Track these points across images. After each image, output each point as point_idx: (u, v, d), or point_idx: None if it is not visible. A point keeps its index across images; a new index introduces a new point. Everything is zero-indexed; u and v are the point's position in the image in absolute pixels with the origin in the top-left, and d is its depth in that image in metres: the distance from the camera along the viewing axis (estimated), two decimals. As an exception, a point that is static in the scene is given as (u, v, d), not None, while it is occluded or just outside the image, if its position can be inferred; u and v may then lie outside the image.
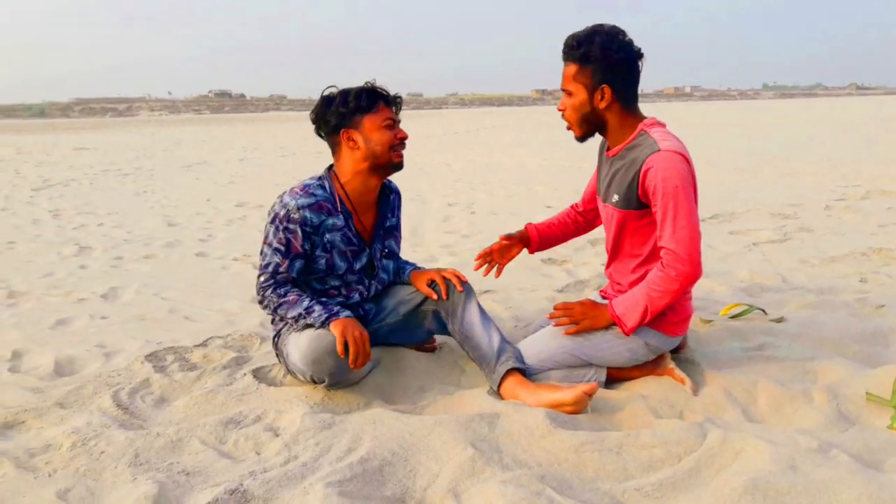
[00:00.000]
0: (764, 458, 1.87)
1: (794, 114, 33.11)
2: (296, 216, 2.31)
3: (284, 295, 2.34)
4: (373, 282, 2.56)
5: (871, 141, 13.92)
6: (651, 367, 2.44)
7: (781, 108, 44.70)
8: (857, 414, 2.18)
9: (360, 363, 2.23)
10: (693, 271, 2.15)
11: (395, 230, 2.64)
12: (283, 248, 2.33)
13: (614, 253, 2.42)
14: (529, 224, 2.78)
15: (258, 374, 2.52)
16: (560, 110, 2.31)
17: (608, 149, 2.36)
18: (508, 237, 2.71)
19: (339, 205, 2.40)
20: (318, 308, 2.30)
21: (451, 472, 1.85)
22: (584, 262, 4.36)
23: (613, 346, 2.34)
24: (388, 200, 2.58)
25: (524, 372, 2.33)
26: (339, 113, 2.34)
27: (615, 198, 2.29)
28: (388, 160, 2.39)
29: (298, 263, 2.37)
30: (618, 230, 2.35)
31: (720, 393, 2.31)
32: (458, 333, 2.46)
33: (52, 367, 2.68)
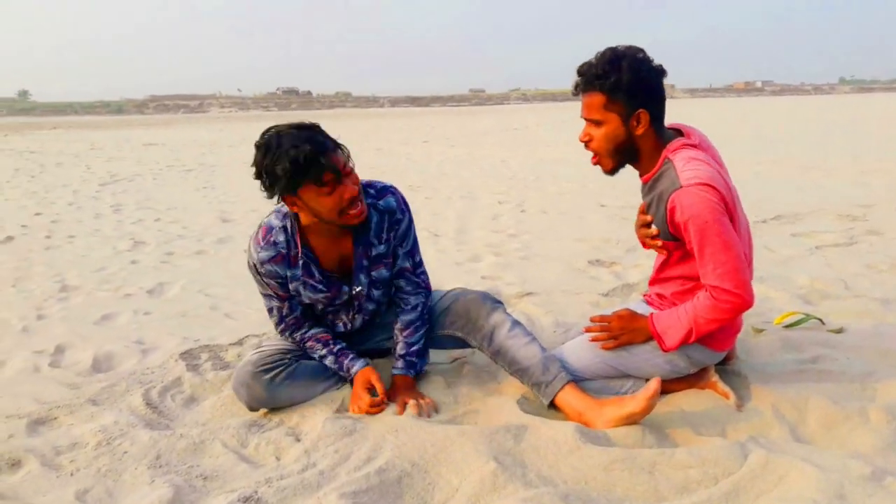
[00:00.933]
0: (810, 484, 1.73)
1: (872, 109, 31.57)
2: (262, 270, 2.20)
3: (304, 340, 2.35)
4: (356, 315, 2.39)
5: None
6: (693, 379, 2.30)
7: (858, 103, 42.71)
8: (918, 437, 2.00)
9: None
10: (745, 301, 2.02)
11: (383, 258, 2.31)
12: (272, 293, 2.27)
13: (657, 272, 2.31)
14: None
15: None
16: (583, 140, 2.12)
17: (640, 174, 2.22)
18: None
19: (300, 250, 2.19)
20: (329, 360, 2.33)
21: (471, 487, 1.78)
22: (636, 264, 4.21)
23: (653, 359, 2.21)
24: (369, 229, 2.25)
25: (577, 382, 2.22)
26: (272, 183, 2.02)
27: (654, 228, 2.16)
28: (342, 224, 2.11)
29: (294, 302, 2.31)
30: (664, 254, 2.23)
31: (767, 409, 2.16)
32: (488, 350, 2.32)
33: (91, 362, 2.73)
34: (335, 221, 2.09)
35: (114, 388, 2.46)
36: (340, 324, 2.40)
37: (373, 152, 13.91)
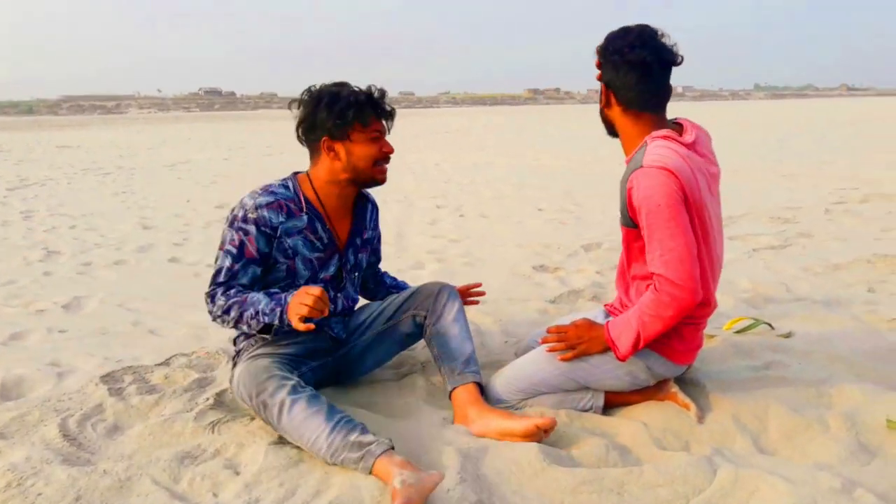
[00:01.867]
0: (781, 499, 1.68)
1: (787, 114, 33.11)
2: (253, 216, 2.11)
3: (233, 296, 2.07)
4: (339, 294, 2.33)
5: (866, 142, 13.81)
6: (652, 391, 2.23)
7: (773, 109, 44.74)
8: (878, 444, 1.99)
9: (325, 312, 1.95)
10: (688, 296, 1.90)
11: (370, 244, 2.44)
12: (235, 250, 2.11)
13: (623, 271, 2.22)
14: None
15: (221, 398, 2.29)
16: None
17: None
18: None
19: (304, 205, 2.19)
20: (263, 301, 2.02)
21: (432, 518, 1.64)
22: (578, 269, 4.15)
23: (613, 371, 2.13)
24: (366, 211, 2.39)
25: (482, 390, 2.19)
26: (325, 120, 2.11)
27: (619, 215, 2.10)
28: (370, 176, 2.20)
29: (252, 269, 2.13)
30: (625, 248, 2.15)
31: (728, 420, 2.11)
32: (431, 329, 2.32)
33: (-2, 389, 2.44)
34: (366, 172, 2.17)
35: (25, 417, 2.19)
36: None
37: (303, 154, 13.57)
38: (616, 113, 2.07)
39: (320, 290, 1.92)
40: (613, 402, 2.22)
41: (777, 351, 2.67)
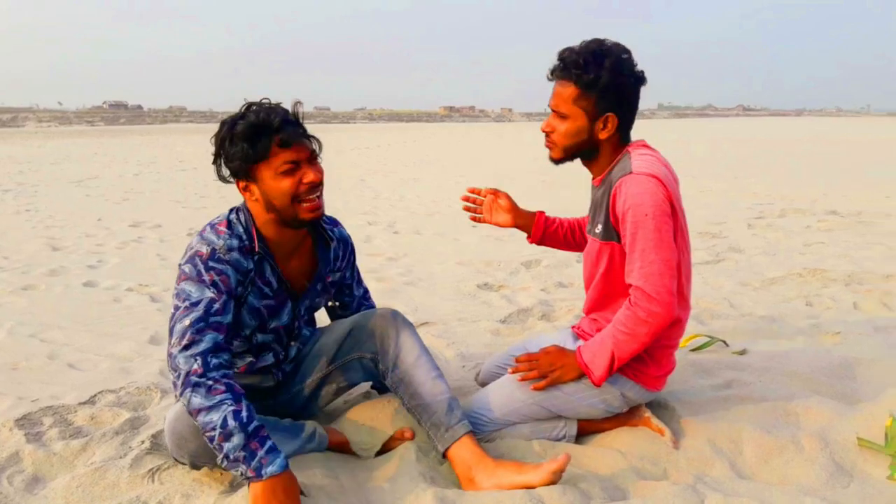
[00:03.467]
0: (774, 528, 1.61)
1: (691, 133, 34.62)
2: (226, 257, 1.79)
3: (213, 369, 1.67)
4: (293, 342, 2.09)
5: (771, 160, 14.54)
6: (624, 416, 2.15)
7: (678, 128, 46.74)
8: (852, 463, 1.97)
9: None
10: (664, 312, 1.83)
11: (333, 287, 2.17)
12: (213, 294, 1.75)
13: (598, 292, 2.09)
14: (541, 213, 2.37)
15: (158, 441, 2.06)
16: (545, 131, 1.99)
17: (594, 177, 2.07)
18: (497, 195, 2.32)
19: (256, 243, 1.86)
20: (235, 438, 1.62)
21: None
22: (522, 286, 4.08)
23: (587, 398, 2.03)
24: (329, 252, 2.07)
25: (476, 435, 1.95)
26: (229, 159, 1.81)
27: (598, 228, 2.00)
28: (293, 215, 1.82)
29: (230, 314, 1.78)
30: (600, 265, 2.03)
31: (703, 444, 2.05)
32: (391, 376, 2.01)
33: None
34: (287, 211, 1.81)
35: (-76, 473, 1.90)
36: (270, 355, 2.03)
37: (210, 171, 13.09)
38: (613, 140, 1.97)
39: None
40: (586, 429, 2.13)
41: (735, 368, 2.65)
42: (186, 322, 1.71)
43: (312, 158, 1.85)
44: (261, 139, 1.76)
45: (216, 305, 1.74)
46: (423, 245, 5.53)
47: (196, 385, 1.65)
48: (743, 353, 2.83)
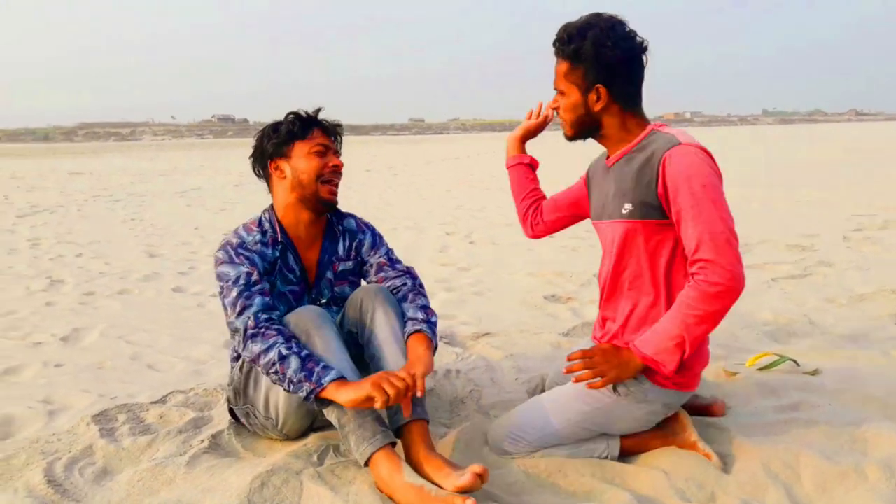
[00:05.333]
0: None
1: (797, 139, 32.95)
2: (253, 248, 2.10)
3: (262, 325, 1.92)
4: None
5: (878, 167, 13.65)
6: (671, 437, 2.08)
7: (783, 134, 44.60)
8: (920, 496, 1.83)
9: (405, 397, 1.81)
10: (736, 284, 1.74)
11: (350, 276, 2.29)
12: (246, 268, 2.04)
13: (619, 284, 2.02)
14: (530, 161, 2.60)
15: (217, 440, 2.18)
16: (553, 108, 2.07)
17: (608, 157, 2.03)
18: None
19: (279, 234, 2.17)
20: (293, 364, 1.83)
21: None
22: (591, 299, 4.02)
23: (629, 410, 1.97)
24: (338, 242, 2.27)
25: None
26: (269, 143, 2.16)
27: (627, 207, 1.90)
28: (315, 192, 2.12)
29: (267, 283, 2.07)
30: (628, 250, 1.95)
31: (758, 468, 1.96)
32: (366, 350, 2.07)
33: (-15, 429, 2.33)
34: (310, 188, 2.11)
35: (11, 461, 2.08)
36: None
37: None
38: (613, 111, 1.94)
39: (404, 383, 1.78)
40: (630, 449, 2.07)
41: (805, 390, 2.53)
42: (234, 293, 1.99)
43: (338, 150, 2.21)
44: (303, 122, 2.15)
45: (254, 276, 2.03)
46: (497, 255, 5.54)
47: (252, 336, 1.91)
48: (815, 373, 2.69)
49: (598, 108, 1.92)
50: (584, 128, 1.98)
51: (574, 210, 2.37)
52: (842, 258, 4.97)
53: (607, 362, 1.90)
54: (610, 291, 2.05)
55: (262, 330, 1.91)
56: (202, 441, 2.16)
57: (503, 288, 4.39)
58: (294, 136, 2.13)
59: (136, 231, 7.28)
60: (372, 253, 2.31)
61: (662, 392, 1.96)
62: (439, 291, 4.34)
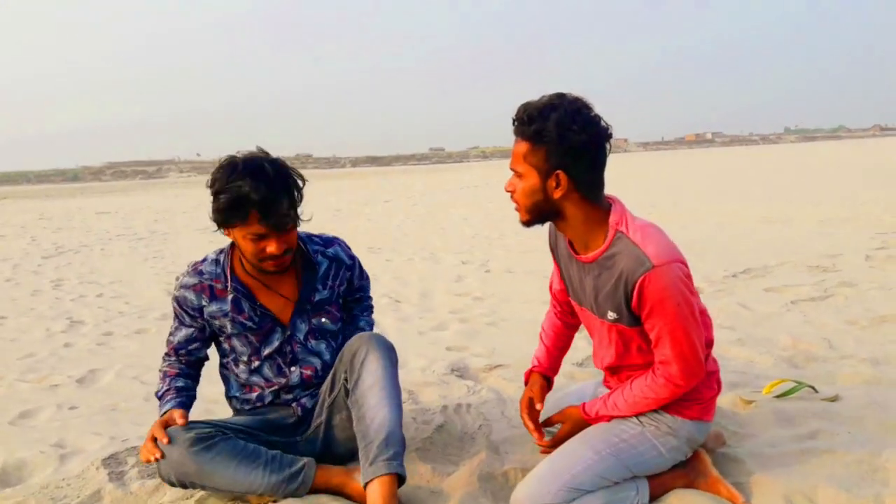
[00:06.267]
0: None
1: (820, 157, 32.61)
2: (177, 293, 2.16)
3: (165, 367, 2.22)
4: (292, 367, 2.19)
5: (905, 182, 13.43)
6: (692, 476, 2.03)
7: (806, 152, 44.19)
8: (944, 529, 1.77)
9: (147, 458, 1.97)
10: (694, 382, 1.88)
11: (328, 304, 2.24)
12: (176, 320, 2.21)
13: (618, 365, 2.04)
14: (536, 369, 2.31)
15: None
16: (508, 191, 1.89)
17: (575, 250, 1.95)
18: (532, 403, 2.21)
19: (229, 283, 2.12)
20: (163, 391, 2.18)
21: None
22: (606, 327, 3.97)
23: (654, 443, 1.95)
24: (316, 273, 2.22)
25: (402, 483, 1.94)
26: (212, 211, 2.01)
27: (612, 315, 1.89)
28: (260, 267, 2.08)
29: (182, 333, 2.19)
30: (621, 344, 1.97)
31: (778, 501, 1.90)
32: (351, 395, 2.05)
33: (-2, 474, 2.35)
34: (254, 265, 2.08)
35: (20, 507, 2.10)
36: (272, 375, 2.20)
37: (331, 213, 13.68)
38: (573, 200, 1.81)
39: (152, 433, 1.99)
40: (654, 492, 2.00)
41: (823, 418, 2.46)
42: (168, 338, 2.23)
43: (281, 225, 1.98)
44: (242, 208, 1.93)
45: (179, 335, 2.20)
46: (512, 284, 5.52)
47: (165, 355, 2.23)
48: (834, 399, 2.62)
49: (557, 194, 1.79)
50: (540, 214, 1.86)
51: None
52: (864, 278, 4.88)
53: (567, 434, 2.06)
54: (618, 373, 2.08)
55: (172, 359, 2.22)
56: (209, 484, 2.15)
57: (518, 318, 4.36)
58: (228, 220, 1.98)
59: (156, 269, 7.37)
60: (358, 283, 2.38)
61: (685, 423, 1.96)
62: (453, 323, 4.32)
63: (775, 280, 4.97)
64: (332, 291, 2.25)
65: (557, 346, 2.34)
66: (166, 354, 2.23)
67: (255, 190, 1.91)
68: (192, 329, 2.17)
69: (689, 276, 1.80)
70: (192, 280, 2.13)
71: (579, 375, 3.14)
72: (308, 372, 2.20)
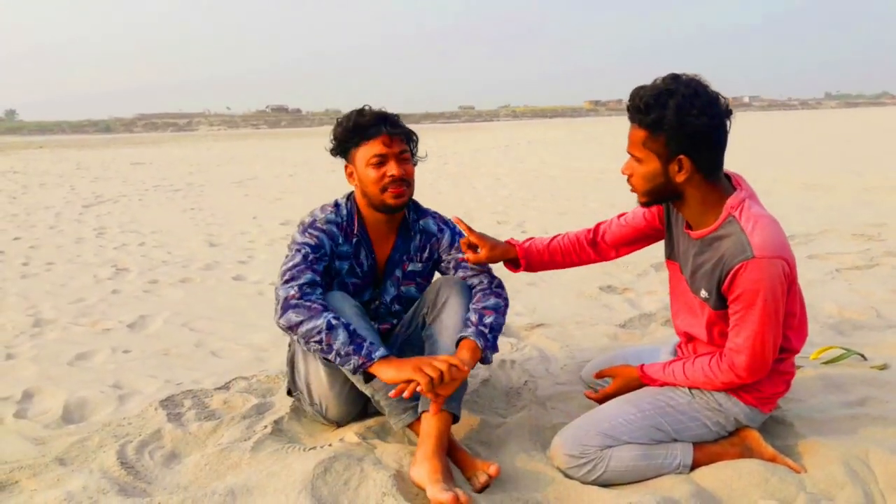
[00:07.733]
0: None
1: (862, 124, 31.70)
2: (324, 227, 2.15)
3: (306, 296, 1.96)
4: (373, 322, 2.24)
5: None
6: (747, 452, 2.00)
7: (848, 118, 42.98)
8: None
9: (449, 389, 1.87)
10: (755, 379, 1.89)
11: (417, 276, 2.31)
12: (311, 243, 2.11)
13: (696, 338, 2.07)
14: (513, 242, 2.31)
15: (279, 426, 2.24)
16: (625, 174, 1.88)
17: (687, 225, 1.95)
18: (478, 238, 2.21)
19: (356, 227, 2.20)
20: (340, 337, 1.89)
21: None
22: (649, 290, 3.97)
23: (699, 414, 1.96)
24: (410, 241, 2.27)
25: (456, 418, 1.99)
26: (335, 145, 2.18)
27: (704, 294, 1.91)
28: (379, 199, 2.13)
29: (323, 264, 2.12)
30: (704, 322, 1.98)
31: (832, 466, 1.88)
32: (427, 327, 2.16)
33: (61, 411, 2.45)
34: (376, 197, 2.12)
35: (85, 443, 2.18)
36: None
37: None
38: (695, 182, 1.80)
39: (446, 366, 1.84)
40: (701, 461, 1.97)
41: (872, 385, 2.46)
42: (289, 265, 2.05)
43: (402, 155, 2.12)
44: (359, 131, 2.11)
45: (311, 255, 2.08)
46: (550, 245, 5.50)
47: (294, 306, 1.95)
48: (884, 367, 2.61)
49: (680, 178, 1.79)
50: (661, 196, 1.87)
51: (642, 243, 2.33)
52: (911, 248, 4.79)
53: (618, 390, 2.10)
54: (692, 346, 2.11)
55: (307, 303, 1.94)
56: (265, 427, 2.22)
57: (557, 278, 4.36)
58: (350, 143, 2.14)
59: (195, 220, 7.48)
60: (451, 250, 2.28)
61: (737, 405, 1.97)
62: (493, 281, 4.34)
63: (819, 248, 4.90)
64: (424, 265, 2.31)
65: (556, 251, 2.30)
66: (301, 275, 2.02)
67: (374, 114, 2.12)
68: (316, 274, 2.06)
69: (788, 276, 1.78)
70: (337, 219, 2.18)
71: (622, 336, 3.15)
72: (385, 327, 2.30)
